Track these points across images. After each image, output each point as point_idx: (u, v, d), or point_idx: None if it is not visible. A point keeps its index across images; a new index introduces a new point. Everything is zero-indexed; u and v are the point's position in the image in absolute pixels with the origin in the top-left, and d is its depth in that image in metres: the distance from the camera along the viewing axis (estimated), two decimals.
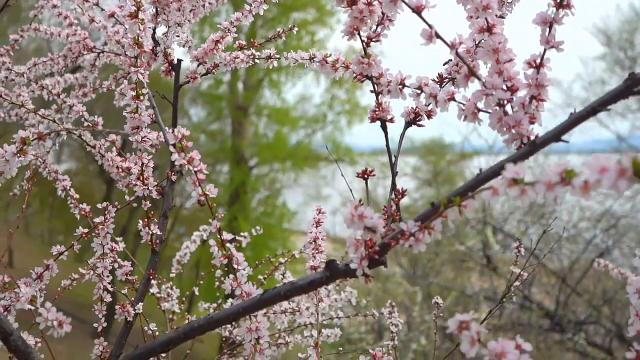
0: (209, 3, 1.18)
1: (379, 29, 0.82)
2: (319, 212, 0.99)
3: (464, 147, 8.30)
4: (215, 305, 1.65)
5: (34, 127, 1.29)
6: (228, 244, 0.76)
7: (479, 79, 0.73)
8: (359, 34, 0.80)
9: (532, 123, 0.68)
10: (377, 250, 0.65)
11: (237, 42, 1.22)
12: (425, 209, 0.63)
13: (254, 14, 1.18)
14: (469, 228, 6.46)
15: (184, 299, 1.67)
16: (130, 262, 1.12)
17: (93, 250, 1.05)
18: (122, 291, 1.12)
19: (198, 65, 1.20)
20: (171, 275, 1.71)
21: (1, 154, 0.86)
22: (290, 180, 10.50)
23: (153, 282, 1.39)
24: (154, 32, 1.16)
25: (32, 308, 0.82)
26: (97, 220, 1.04)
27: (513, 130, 0.68)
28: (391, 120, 0.87)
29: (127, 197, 1.12)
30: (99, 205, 1.05)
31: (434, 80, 0.84)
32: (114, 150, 1.19)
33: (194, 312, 3.15)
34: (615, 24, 7.90)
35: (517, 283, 1.39)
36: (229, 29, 1.18)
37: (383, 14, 0.79)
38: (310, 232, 0.97)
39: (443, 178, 8.79)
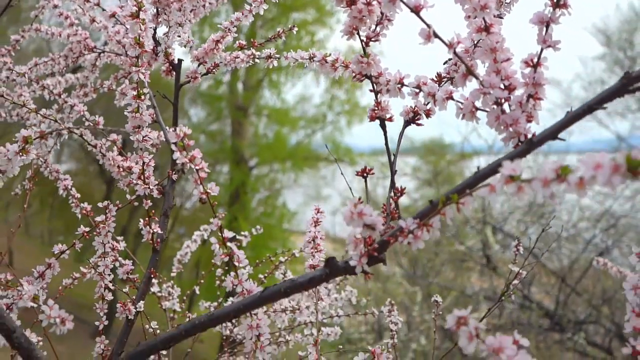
0: (209, 3, 1.19)
1: (378, 29, 0.83)
2: (318, 212, 1.00)
3: (463, 147, 8.31)
4: (216, 304, 1.66)
5: (35, 127, 1.30)
6: (229, 243, 0.77)
7: (476, 78, 0.74)
8: (358, 33, 0.81)
9: (530, 121, 0.69)
10: (376, 248, 0.65)
11: (237, 42, 1.23)
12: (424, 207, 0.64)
13: (254, 14, 1.19)
14: (469, 228, 6.47)
15: (184, 298, 1.68)
16: (132, 261, 1.13)
17: (92, 251, 1.06)
18: (124, 290, 1.12)
19: (198, 65, 1.21)
20: (172, 274, 1.72)
21: (3, 152, 0.87)
22: (290, 181, 10.51)
23: (154, 281, 1.40)
24: (155, 32, 1.17)
25: (35, 306, 0.82)
26: (98, 219, 1.05)
27: (510, 129, 0.69)
28: (390, 119, 0.88)
29: (128, 197, 1.13)
30: (100, 204, 1.06)
31: (432, 79, 0.85)
32: (115, 149, 1.19)
33: (194, 311, 3.16)
34: (615, 24, 7.92)
35: (515, 282, 1.39)
36: (229, 29, 1.19)
37: (382, 13, 0.80)
38: (309, 232, 0.98)
39: (443, 178, 8.79)
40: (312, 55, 1.02)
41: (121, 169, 1.17)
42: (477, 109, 0.74)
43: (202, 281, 1.77)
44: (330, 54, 1.00)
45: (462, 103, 0.76)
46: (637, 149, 0.44)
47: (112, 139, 1.19)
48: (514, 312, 5.66)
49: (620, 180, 0.42)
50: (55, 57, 1.44)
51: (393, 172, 0.84)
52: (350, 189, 0.98)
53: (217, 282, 1.58)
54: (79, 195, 1.16)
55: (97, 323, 1.06)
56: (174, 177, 1.10)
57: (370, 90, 0.88)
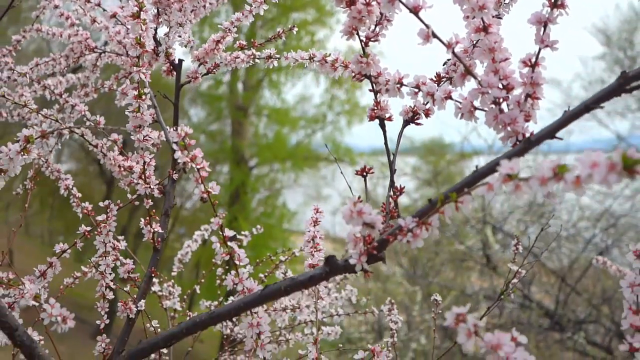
0: (210, 3, 1.20)
1: (377, 29, 0.83)
2: (317, 212, 1.01)
3: (463, 147, 8.31)
4: (216, 303, 1.66)
5: (36, 126, 1.30)
6: (229, 241, 0.78)
7: (475, 77, 0.75)
8: (357, 34, 0.81)
9: (527, 121, 0.69)
10: (376, 246, 0.66)
11: (237, 42, 1.24)
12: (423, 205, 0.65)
13: (254, 14, 1.20)
14: (469, 227, 6.47)
15: (185, 297, 1.68)
16: (132, 260, 1.13)
17: (92, 251, 1.06)
18: (125, 289, 1.13)
19: (199, 65, 1.22)
20: (172, 273, 1.72)
21: (5, 152, 0.87)
22: (290, 181, 10.52)
23: (155, 280, 1.41)
24: (156, 33, 1.17)
25: (37, 304, 0.83)
26: (99, 218, 1.05)
27: (509, 128, 0.70)
28: (389, 119, 0.89)
29: (129, 196, 1.14)
30: (101, 204, 1.06)
31: (431, 79, 0.85)
32: (116, 149, 1.20)
33: (195, 310, 3.16)
34: (615, 23, 7.92)
35: (515, 280, 1.40)
36: (229, 29, 1.19)
37: (381, 14, 0.80)
38: (309, 231, 0.98)
39: (443, 178, 8.80)
40: (312, 56, 1.03)
41: (122, 169, 1.17)
42: (475, 108, 0.75)
43: (202, 280, 1.77)
44: (330, 54, 1.01)
45: (460, 102, 0.77)
46: (634, 147, 0.44)
47: (113, 138, 1.19)
48: (514, 312, 5.67)
49: (616, 178, 0.43)
50: (56, 57, 1.45)
51: (392, 171, 0.85)
52: (350, 188, 0.99)
53: (218, 281, 1.58)
54: (80, 195, 1.17)
55: (98, 322, 1.07)
56: (175, 176, 1.11)
57: (370, 90, 0.88)
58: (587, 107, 0.59)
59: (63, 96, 1.39)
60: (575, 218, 6.50)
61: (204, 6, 1.19)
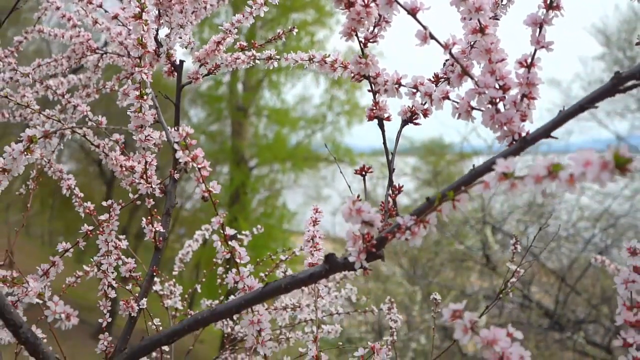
0: (210, 5, 1.21)
1: (375, 30, 0.84)
2: (316, 212, 1.02)
3: (463, 148, 8.33)
4: (217, 302, 1.67)
5: (38, 127, 1.31)
6: (230, 240, 0.79)
7: (472, 78, 0.76)
8: (356, 35, 0.82)
9: (524, 120, 0.71)
10: (375, 244, 0.67)
11: (237, 43, 1.25)
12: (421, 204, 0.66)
13: (254, 15, 1.21)
14: (469, 228, 6.48)
15: (186, 296, 1.69)
16: (134, 259, 1.14)
17: (92, 251, 1.07)
18: (127, 287, 1.14)
19: (200, 66, 1.23)
20: (173, 273, 1.73)
21: (9, 152, 0.88)
22: (290, 181, 10.53)
23: (156, 279, 1.42)
24: (157, 34, 1.18)
25: (40, 302, 0.84)
26: (101, 217, 1.06)
27: (505, 127, 0.71)
28: (388, 119, 0.90)
29: (130, 196, 1.15)
30: (104, 203, 1.07)
31: (429, 79, 0.86)
32: (118, 149, 1.21)
33: (196, 309, 3.17)
34: (614, 24, 7.92)
35: (513, 280, 1.41)
36: (230, 30, 1.20)
37: (380, 15, 0.81)
38: (308, 231, 0.99)
39: (443, 178, 8.80)
40: (311, 57, 1.04)
41: (124, 169, 1.18)
42: (472, 108, 0.76)
43: (203, 280, 1.78)
44: (329, 55, 1.02)
45: (458, 102, 0.78)
46: (625, 146, 0.45)
47: (115, 138, 1.20)
48: (514, 312, 5.68)
49: (609, 176, 0.44)
50: (58, 58, 1.46)
51: (391, 171, 0.86)
52: (350, 188, 1.00)
53: (218, 280, 1.59)
54: (82, 195, 1.18)
55: (100, 320, 1.07)
56: (176, 176, 1.12)
57: (369, 91, 0.89)
58: (582, 107, 0.61)
59: (65, 97, 1.40)
60: (575, 218, 6.51)
61: (205, 7, 1.20)
